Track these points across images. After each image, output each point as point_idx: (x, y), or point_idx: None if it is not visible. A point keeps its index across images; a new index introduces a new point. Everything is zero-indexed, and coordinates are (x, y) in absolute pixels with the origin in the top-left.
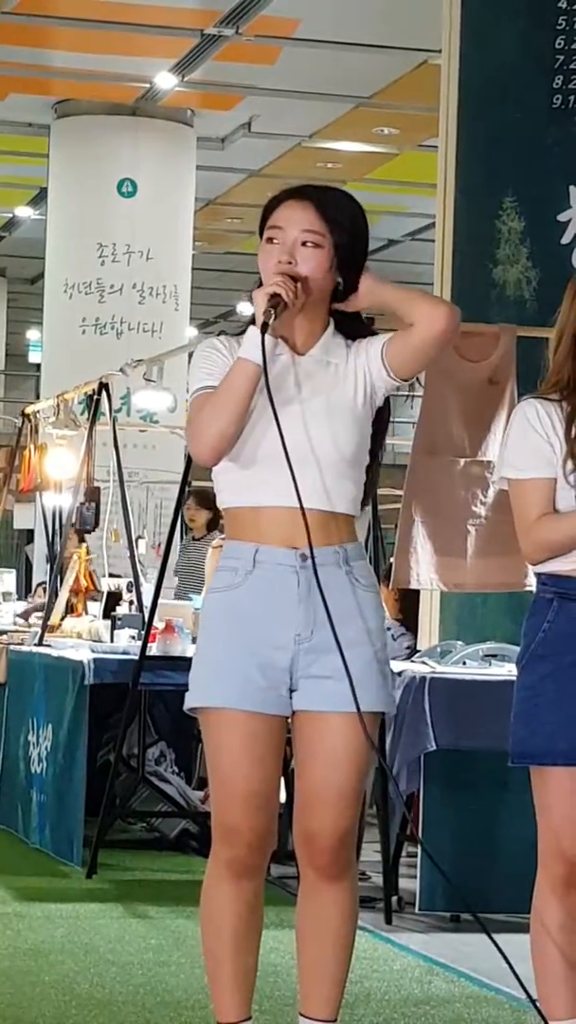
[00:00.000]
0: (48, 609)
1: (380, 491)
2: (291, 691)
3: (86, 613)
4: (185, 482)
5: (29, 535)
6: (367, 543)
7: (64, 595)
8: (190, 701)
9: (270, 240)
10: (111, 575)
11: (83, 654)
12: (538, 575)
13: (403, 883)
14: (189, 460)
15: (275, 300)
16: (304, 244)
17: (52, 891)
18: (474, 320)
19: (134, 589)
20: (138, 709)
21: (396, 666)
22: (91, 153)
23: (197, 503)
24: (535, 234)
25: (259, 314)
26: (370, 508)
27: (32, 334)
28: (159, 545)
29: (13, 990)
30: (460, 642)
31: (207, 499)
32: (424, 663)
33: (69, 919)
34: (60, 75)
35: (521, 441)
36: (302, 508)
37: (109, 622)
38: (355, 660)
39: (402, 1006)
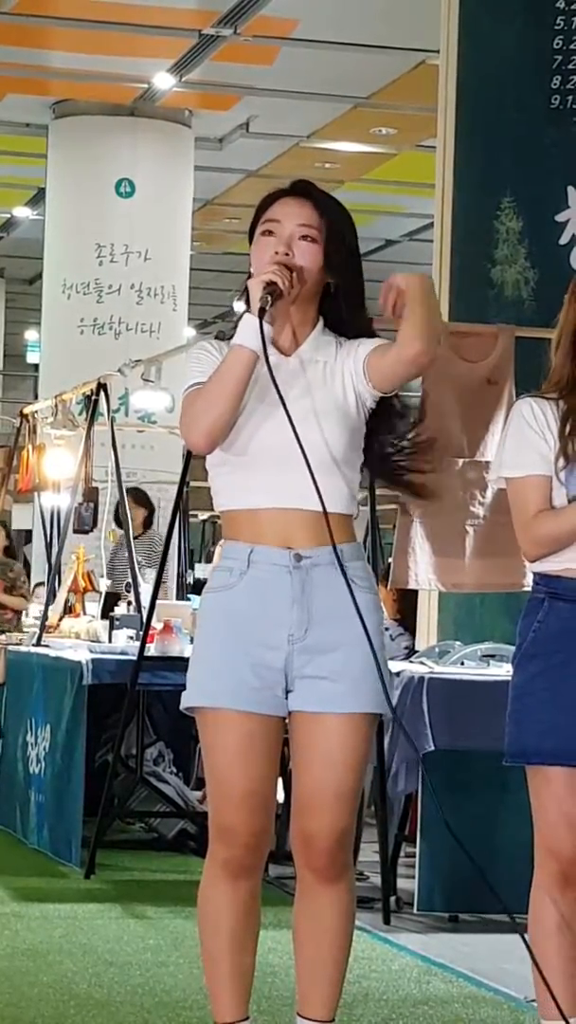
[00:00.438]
0: (46, 609)
1: (378, 491)
2: (287, 692)
3: (84, 613)
4: (183, 482)
5: (27, 535)
6: (364, 543)
7: (62, 595)
8: (186, 701)
9: (266, 233)
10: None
11: (81, 654)
12: (534, 575)
13: (401, 883)
14: (187, 460)
15: (271, 287)
16: (302, 238)
17: (50, 891)
18: (472, 320)
19: (132, 589)
20: (136, 709)
21: (394, 666)
22: (89, 153)
23: (134, 501)
24: (533, 234)
25: (255, 300)
26: (368, 508)
27: (30, 334)
28: None
29: (11, 990)
30: (458, 642)
31: (143, 497)
32: (422, 663)
33: (67, 919)
34: (58, 75)
35: (517, 439)
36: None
37: (107, 622)
38: (350, 661)
39: (400, 1006)
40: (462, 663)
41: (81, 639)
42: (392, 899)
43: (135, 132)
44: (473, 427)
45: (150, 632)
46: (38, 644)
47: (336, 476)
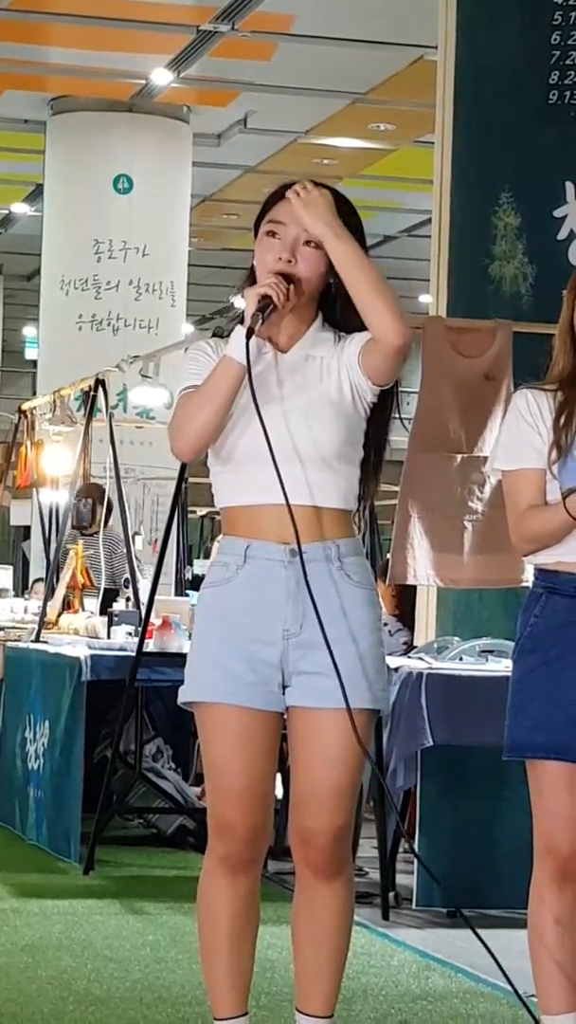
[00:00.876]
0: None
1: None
2: (284, 687)
3: (83, 609)
4: (182, 478)
5: (26, 532)
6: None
7: (61, 591)
8: (183, 695)
9: (270, 234)
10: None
11: (80, 650)
12: (534, 569)
13: (400, 879)
14: None
15: (265, 302)
16: (307, 243)
17: (49, 887)
18: (470, 316)
19: (131, 585)
20: (135, 705)
21: (393, 662)
22: (87, 149)
23: (98, 497)
24: (531, 230)
25: (247, 315)
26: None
27: (28, 330)
28: (155, 541)
29: (10, 986)
30: (457, 638)
31: (100, 493)
32: (421, 659)
33: (66, 915)
34: (56, 71)
35: (512, 432)
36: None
37: (106, 618)
38: (344, 657)
39: (399, 1001)
40: (461, 659)
41: (80, 635)
42: (391, 895)
43: (133, 128)
44: (471, 423)
45: (149, 628)
46: (37, 640)
47: (330, 471)
